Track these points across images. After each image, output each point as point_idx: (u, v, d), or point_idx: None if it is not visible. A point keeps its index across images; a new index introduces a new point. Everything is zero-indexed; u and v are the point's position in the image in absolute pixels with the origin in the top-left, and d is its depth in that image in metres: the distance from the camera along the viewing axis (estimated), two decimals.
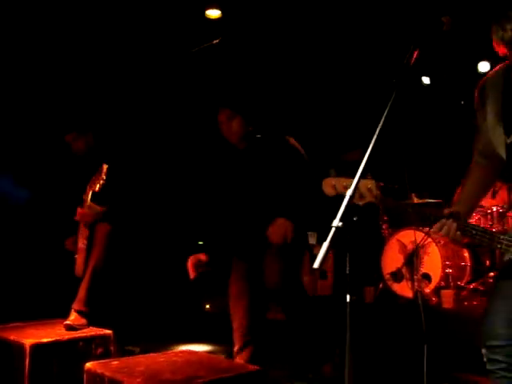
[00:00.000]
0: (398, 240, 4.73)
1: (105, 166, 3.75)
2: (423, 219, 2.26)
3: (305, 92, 5.97)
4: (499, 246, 2.13)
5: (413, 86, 5.55)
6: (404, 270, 4.68)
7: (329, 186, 2.31)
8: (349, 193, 1.81)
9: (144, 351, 3.91)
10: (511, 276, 2.20)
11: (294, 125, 6.00)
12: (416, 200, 4.87)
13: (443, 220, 2.16)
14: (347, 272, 1.89)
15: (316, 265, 1.73)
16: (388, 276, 4.77)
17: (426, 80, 5.59)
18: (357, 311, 4.83)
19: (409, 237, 4.67)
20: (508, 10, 1.91)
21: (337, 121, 5.91)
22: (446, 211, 2.18)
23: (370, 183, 2.19)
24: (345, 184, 2.15)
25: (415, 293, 4.60)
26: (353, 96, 5.76)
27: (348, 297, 1.86)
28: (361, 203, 2.22)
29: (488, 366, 2.23)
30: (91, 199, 3.90)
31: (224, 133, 3.54)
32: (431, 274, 4.61)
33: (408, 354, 3.64)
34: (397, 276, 4.72)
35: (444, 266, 4.62)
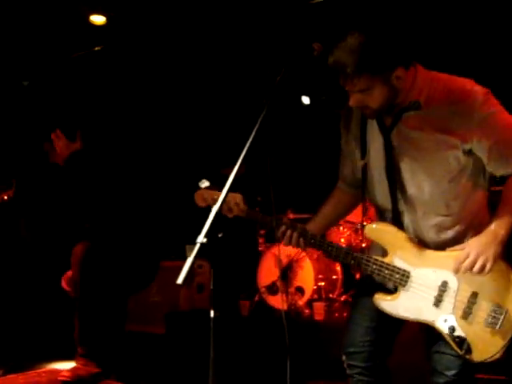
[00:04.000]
0: (274, 254, 4.85)
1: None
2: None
3: (187, 105, 5.97)
4: (352, 261, 2.28)
5: (292, 106, 5.74)
6: (279, 284, 4.80)
7: (200, 198, 2.39)
8: (214, 209, 1.84)
9: (10, 372, 3.70)
10: (367, 288, 2.36)
11: (177, 136, 6.00)
12: (292, 215, 5.03)
13: (289, 231, 2.32)
14: (211, 287, 1.92)
15: (179, 280, 1.75)
16: (263, 289, 4.87)
17: (305, 100, 5.80)
18: (232, 324, 4.89)
19: (284, 251, 4.79)
20: (340, 40, 2.07)
21: (218, 135, 5.98)
22: (284, 227, 2.33)
23: (237, 197, 2.32)
24: (215, 197, 2.25)
25: (289, 305, 4.73)
26: (235, 110, 5.86)
27: (212, 312, 1.88)
28: (230, 216, 2.35)
29: (347, 371, 2.41)
30: None
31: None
32: (304, 287, 4.76)
33: (274, 365, 3.74)
34: (272, 289, 4.83)
35: (317, 280, 4.80)
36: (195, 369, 3.99)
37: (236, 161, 1.91)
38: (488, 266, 2.07)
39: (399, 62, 2.08)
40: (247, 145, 1.93)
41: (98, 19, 5.28)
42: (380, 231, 2.29)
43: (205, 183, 2.35)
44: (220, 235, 1.85)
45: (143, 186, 3.54)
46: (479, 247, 2.09)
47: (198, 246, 1.76)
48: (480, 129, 2.09)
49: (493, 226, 2.12)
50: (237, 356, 4.16)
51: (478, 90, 2.13)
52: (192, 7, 4.76)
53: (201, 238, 1.77)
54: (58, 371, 3.05)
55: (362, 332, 2.35)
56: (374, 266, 2.23)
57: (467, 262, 2.09)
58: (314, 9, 4.40)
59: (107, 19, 5.23)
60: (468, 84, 2.15)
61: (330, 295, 4.92)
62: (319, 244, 2.31)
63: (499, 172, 2.17)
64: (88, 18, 5.20)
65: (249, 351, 4.29)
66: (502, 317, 2.08)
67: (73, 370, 3.03)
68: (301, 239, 2.31)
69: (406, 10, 4.33)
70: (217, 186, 2.34)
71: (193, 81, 5.72)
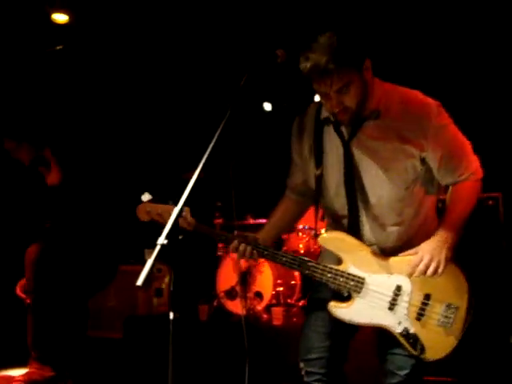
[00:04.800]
0: (233, 259, 4.86)
1: None
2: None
3: (149, 108, 5.94)
4: (307, 271, 2.31)
5: (254, 112, 5.77)
6: (238, 288, 4.80)
7: (143, 212, 2.37)
8: (176, 210, 1.85)
9: None
10: (320, 295, 2.40)
11: (139, 140, 5.95)
12: (252, 220, 5.05)
13: (242, 244, 2.34)
14: (171, 289, 1.92)
15: (139, 282, 1.75)
16: (222, 294, 4.87)
17: (267, 106, 5.84)
18: (191, 329, 4.87)
19: None
20: (312, 42, 2.10)
21: (180, 139, 5.96)
22: (236, 242, 2.34)
23: (185, 211, 2.25)
24: (159, 211, 2.26)
25: (248, 310, 4.74)
26: (197, 115, 5.85)
27: (171, 314, 1.89)
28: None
29: (305, 379, 2.42)
30: None
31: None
32: (263, 292, 4.78)
33: (233, 370, 3.74)
34: (231, 294, 4.83)
35: (275, 285, 4.82)
36: (152, 373, 3.98)
37: (197, 165, 1.92)
38: (441, 268, 2.17)
39: (367, 51, 2.17)
40: (208, 151, 1.94)
41: (60, 18, 5.21)
42: (334, 240, 2.33)
43: (147, 196, 2.33)
44: (180, 237, 1.86)
45: (104, 190, 3.52)
46: (432, 251, 2.18)
47: (158, 248, 1.77)
48: (435, 139, 2.20)
49: (442, 231, 2.22)
50: (195, 361, 4.15)
51: (432, 101, 2.24)
52: (157, 8, 4.74)
53: (161, 240, 1.77)
54: (11, 377, 3.00)
55: (318, 338, 2.38)
56: (329, 275, 2.27)
57: (421, 266, 2.17)
58: (279, 15, 4.45)
59: (70, 18, 5.17)
60: (421, 96, 2.26)
61: (289, 300, 4.95)
62: (273, 255, 2.34)
63: (446, 180, 2.30)
64: (50, 16, 5.14)
65: (207, 356, 4.28)
66: (454, 315, 2.18)
67: (27, 374, 2.99)
68: (254, 251, 2.34)
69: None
70: (159, 198, 2.33)
71: (155, 83, 5.70)
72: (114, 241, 3.51)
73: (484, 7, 4.49)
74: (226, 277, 4.95)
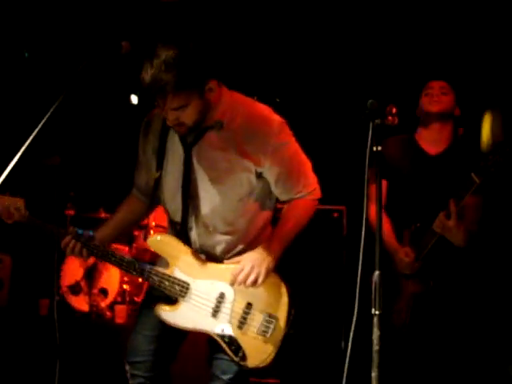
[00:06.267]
0: None
1: None
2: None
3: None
4: (135, 273, 2.32)
5: (121, 104, 5.61)
6: (83, 284, 4.65)
7: None
8: None
9: None
10: (151, 298, 2.39)
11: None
12: (104, 214, 4.90)
13: (73, 241, 2.30)
14: None
15: None
16: (66, 289, 4.68)
17: (134, 99, 5.70)
18: (30, 323, 4.61)
19: None
20: (154, 57, 2.05)
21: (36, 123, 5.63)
22: (68, 239, 2.29)
23: (19, 202, 2.25)
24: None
25: (91, 307, 4.60)
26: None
27: None
28: (9, 222, 2.24)
29: (130, 381, 2.41)
30: None
31: None
32: (108, 289, 4.67)
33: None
34: (75, 289, 4.67)
35: (121, 282, 4.72)
36: None
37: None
38: (260, 279, 2.21)
39: (211, 73, 2.15)
40: (32, 136, 1.86)
41: None
42: (162, 243, 2.34)
43: None
44: None
45: None
46: (253, 261, 2.22)
47: None
48: (273, 156, 2.23)
49: (269, 243, 2.27)
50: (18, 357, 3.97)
51: (276, 119, 2.27)
52: None
53: None
54: None
55: (145, 341, 2.37)
56: (156, 278, 2.28)
57: (242, 275, 2.22)
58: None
59: None
60: (267, 111, 2.29)
61: (135, 298, 4.86)
62: (102, 254, 2.32)
63: (283, 197, 2.36)
64: None
65: (30, 352, 4.09)
66: (273, 325, 2.24)
67: None
68: (84, 249, 2.29)
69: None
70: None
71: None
72: None
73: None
74: (72, 271, 4.77)
